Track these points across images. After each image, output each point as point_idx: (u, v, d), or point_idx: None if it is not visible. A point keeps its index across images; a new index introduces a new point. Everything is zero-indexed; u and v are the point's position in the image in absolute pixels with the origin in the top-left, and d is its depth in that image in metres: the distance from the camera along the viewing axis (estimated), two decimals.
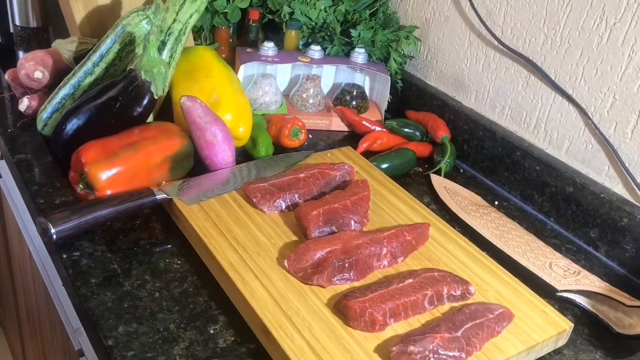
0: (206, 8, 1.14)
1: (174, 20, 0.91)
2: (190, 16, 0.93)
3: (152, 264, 0.72)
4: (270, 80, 1.09)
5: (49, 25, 1.23)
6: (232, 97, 0.93)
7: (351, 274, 0.68)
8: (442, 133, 1.04)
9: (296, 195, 0.80)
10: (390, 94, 1.14)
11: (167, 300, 0.67)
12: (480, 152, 1.04)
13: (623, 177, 0.87)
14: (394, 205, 0.84)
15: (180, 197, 0.78)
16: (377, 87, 1.18)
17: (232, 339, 0.64)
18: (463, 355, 0.60)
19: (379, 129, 1.08)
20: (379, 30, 1.14)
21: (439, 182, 0.98)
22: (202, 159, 0.86)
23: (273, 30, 1.24)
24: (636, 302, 0.73)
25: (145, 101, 0.83)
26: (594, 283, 0.77)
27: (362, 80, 1.19)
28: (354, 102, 1.13)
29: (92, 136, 0.80)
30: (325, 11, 1.16)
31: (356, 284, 0.68)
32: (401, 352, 0.58)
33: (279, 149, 0.99)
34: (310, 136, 1.08)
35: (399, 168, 0.99)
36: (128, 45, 0.89)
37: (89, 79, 0.89)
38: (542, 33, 0.94)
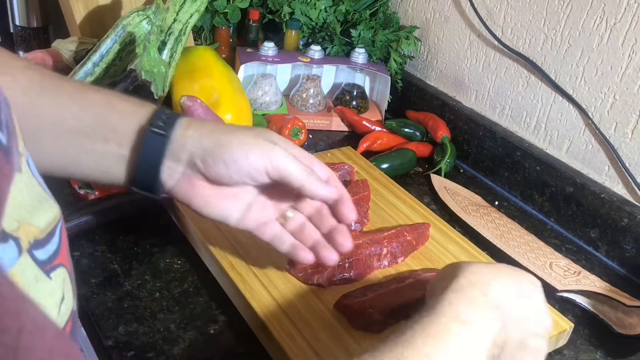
0: (206, 8, 1.14)
1: (174, 20, 0.91)
2: (191, 16, 0.93)
3: (152, 264, 0.72)
4: (270, 80, 1.09)
5: (49, 25, 1.23)
6: (232, 97, 0.93)
7: (351, 273, 0.68)
8: (442, 133, 1.04)
9: None
10: (390, 94, 1.14)
11: (167, 300, 0.67)
12: (481, 152, 1.04)
13: (623, 177, 0.87)
14: (394, 205, 0.84)
15: None
16: (377, 87, 1.18)
17: (232, 339, 0.64)
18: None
19: (379, 129, 1.07)
20: (379, 30, 1.14)
21: (439, 182, 0.98)
22: None
23: (273, 30, 1.24)
24: (636, 302, 0.73)
25: (145, 101, 0.83)
26: (594, 283, 0.77)
27: (362, 80, 1.19)
28: (354, 102, 1.13)
29: None
30: (326, 11, 1.16)
31: (356, 283, 0.68)
32: None
33: None
34: (310, 136, 1.08)
35: (399, 168, 0.99)
36: (128, 45, 0.89)
37: (89, 79, 0.89)
38: (542, 33, 0.94)
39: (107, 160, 0.53)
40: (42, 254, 0.35)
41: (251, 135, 0.55)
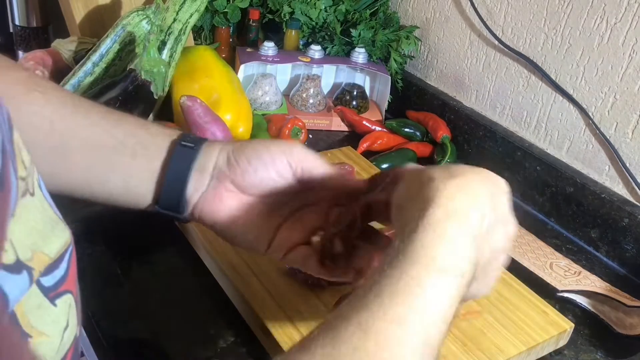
0: (206, 8, 1.14)
1: (174, 19, 0.91)
2: (191, 16, 0.93)
3: (152, 264, 0.72)
4: (270, 80, 1.09)
5: (49, 25, 1.23)
6: (232, 97, 0.93)
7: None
8: (443, 133, 1.04)
9: None
10: (390, 93, 1.14)
11: (167, 300, 0.67)
12: (481, 152, 1.04)
13: (624, 177, 0.87)
14: None
15: None
16: (378, 87, 1.18)
17: (232, 339, 0.64)
18: None
19: (379, 129, 1.07)
20: (379, 30, 1.14)
21: None
22: None
23: (273, 30, 1.24)
24: (637, 302, 0.73)
25: (145, 101, 0.83)
26: (595, 283, 0.77)
27: (363, 80, 1.19)
28: (354, 102, 1.13)
29: None
30: (326, 11, 1.16)
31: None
32: None
33: None
34: (310, 136, 1.07)
35: None
36: (128, 45, 0.89)
37: (89, 79, 0.89)
38: (542, 33, 0.94)
39: (134, 177, 0.53)
40: (48, 280, 0.35)
41: (271, 139, 0.54)
